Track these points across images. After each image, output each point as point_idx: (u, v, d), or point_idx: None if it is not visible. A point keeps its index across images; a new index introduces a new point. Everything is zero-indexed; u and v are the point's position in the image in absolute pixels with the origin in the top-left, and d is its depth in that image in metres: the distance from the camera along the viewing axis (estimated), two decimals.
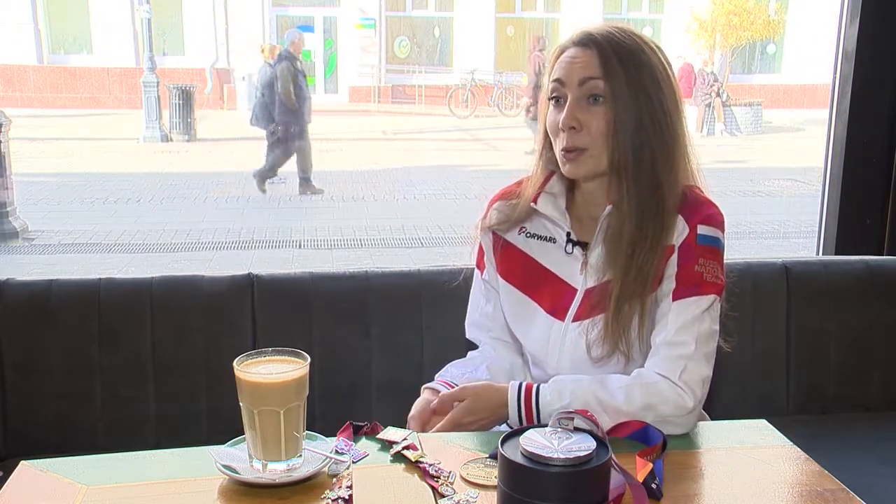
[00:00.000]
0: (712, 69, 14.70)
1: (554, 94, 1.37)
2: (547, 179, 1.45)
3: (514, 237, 1.49)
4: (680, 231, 1.35)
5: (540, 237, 1.47)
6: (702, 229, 1.35)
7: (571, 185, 1.45)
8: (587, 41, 1.35)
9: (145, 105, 11.66)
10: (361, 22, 16.71)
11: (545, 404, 1.30)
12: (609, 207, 1.37)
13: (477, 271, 1.57)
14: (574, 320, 1.40)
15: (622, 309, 1.33)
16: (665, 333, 1.32)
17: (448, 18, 17.42)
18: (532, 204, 1.44)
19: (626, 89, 1.31)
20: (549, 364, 1.44)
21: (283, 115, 8.39)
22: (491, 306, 1.55)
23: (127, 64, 15.62)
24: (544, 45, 11.73)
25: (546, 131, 1.41)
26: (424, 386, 1.48)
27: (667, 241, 1.34)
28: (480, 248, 1.55)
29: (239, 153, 11.27)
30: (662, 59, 1.37)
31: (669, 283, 1.34)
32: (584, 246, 1.42)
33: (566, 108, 1.34)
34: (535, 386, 1.33)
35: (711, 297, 1.33)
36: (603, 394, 1.29)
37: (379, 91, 16.68)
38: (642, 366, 1.35)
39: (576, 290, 1.41)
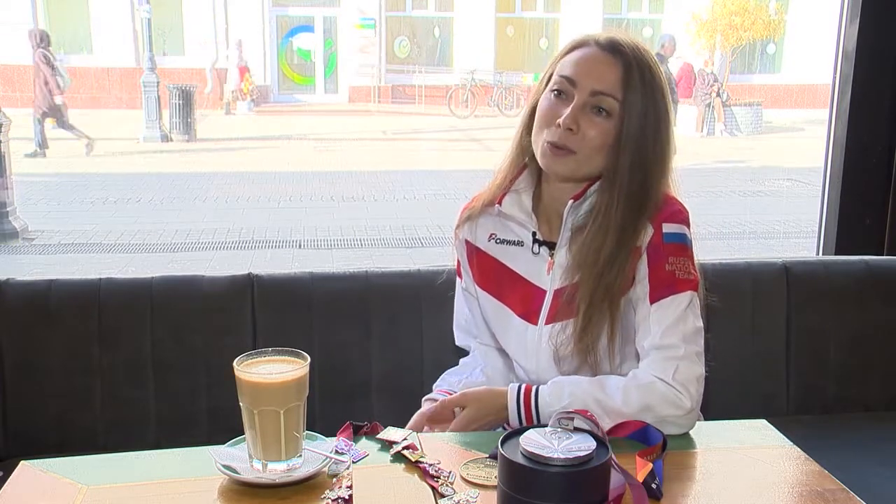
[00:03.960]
0: (712, 69, 14.69)
1: (557, 88, 1.34)
2: (517, 175, 1.42)
3: (485, 244, 1.48)
4: (645, 232, 1.33)
5: (508, 242, 1.45)
6: (667, 227, 1.33)
7: (540, 179, 1.43)
8: (614, 50, 1.32)
9: (145, 105, 11.64)
10: (361, 22, 16.70)
11: (545, 405, 1.30)
12: (571, 202, 1.35)
13: (457, 278, 1.57)
14: (547, 322, 1.39)
15: (591, 318, 1.32)
16: (651, 337, 1.31)
17: (448, 18, 17.40)
18: (497, 205, 1.42)
19: (639, 107, 1.30)
20: (530, 369, 1.43)
21: None
22: (471, 313, 1.55)
23: (127, 64, 15.61)
24: (49, 41, 10.84)
25: (531, 116, 1.38)
26: (425, 398, 1.49)
27: (633, 245, 1.33)
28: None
29: (240, 153, 11.27)
30: (663, 71, 1.37)
31: (643, 287, 1.32)
32: (551, 245, 1.41)
33: (571, 108, 1.31)
34: (534, 387, 1.33)
35: (688, 293, 1.32)
36: (601, 395, 1.29)
37: (379, 91, 16.68)
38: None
39: (545, 292, 1.40)
